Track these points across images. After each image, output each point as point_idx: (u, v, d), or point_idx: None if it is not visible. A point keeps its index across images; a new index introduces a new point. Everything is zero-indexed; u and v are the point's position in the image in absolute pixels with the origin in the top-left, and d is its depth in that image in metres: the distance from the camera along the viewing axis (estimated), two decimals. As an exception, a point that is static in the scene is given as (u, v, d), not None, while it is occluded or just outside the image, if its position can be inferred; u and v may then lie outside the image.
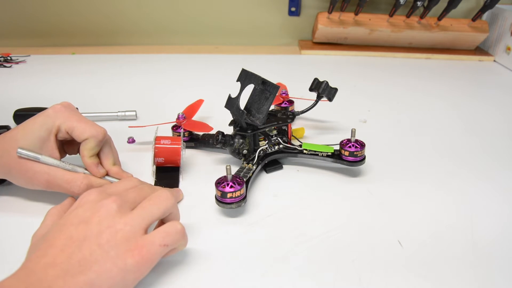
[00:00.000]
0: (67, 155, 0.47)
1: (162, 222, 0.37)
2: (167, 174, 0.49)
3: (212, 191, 0.43)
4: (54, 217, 0.36)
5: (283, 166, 0.52)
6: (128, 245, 0.32)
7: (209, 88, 0.78)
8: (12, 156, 0.41)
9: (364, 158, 0.49)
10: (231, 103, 0.50)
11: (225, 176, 0.42)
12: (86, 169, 0.44)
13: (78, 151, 0.45)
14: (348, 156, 0.48)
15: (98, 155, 0.44)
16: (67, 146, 0.47)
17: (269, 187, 0.48)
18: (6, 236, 0.40)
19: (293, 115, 0.53)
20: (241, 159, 0.50)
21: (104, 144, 0.45)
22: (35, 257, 0.30)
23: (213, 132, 0.55)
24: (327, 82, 0.55)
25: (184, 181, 0.49)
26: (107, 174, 0.45)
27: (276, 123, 0.51)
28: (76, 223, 0.32)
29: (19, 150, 0.41)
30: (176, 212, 0.38)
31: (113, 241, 0.31)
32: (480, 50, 1.02)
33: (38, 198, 0.45)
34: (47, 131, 0.42)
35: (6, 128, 0.57)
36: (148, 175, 0.50)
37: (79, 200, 0.35)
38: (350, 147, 0.48)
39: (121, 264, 0.31)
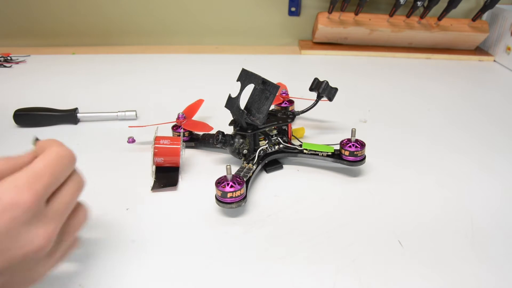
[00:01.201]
0: None
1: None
2: (167, 174, 0.49)
3: (212, 191, 0.43)
4: None
5: (283, 166, 0.52)
6: None
7: (209, 88, 0.78)
8: None
9: (364, 158, 0.49)
10: (231, 103, 0.50)
11: (225, 176, 0.42)
12: None
13: None
14: (348, 156, 0.48)
15: None
16: None
17: (269, 187, 0.48)
18: None
19: (293, 115, 0.53)
20: (241, 159, 0.50)
21: None
22: None
23: (213, 132, 0.55)
24: (327, 82, 0.55)
25: (184, 181, 0.49)
26: None
27: (276, 123, 0.51)
28: None
29: None
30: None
31: None
32: (480, 50, 1.02)
33: None
34: None
35: None
36: (147, 175, 0.50)
37: None
38: (350, 146, 0.48)
39: None
